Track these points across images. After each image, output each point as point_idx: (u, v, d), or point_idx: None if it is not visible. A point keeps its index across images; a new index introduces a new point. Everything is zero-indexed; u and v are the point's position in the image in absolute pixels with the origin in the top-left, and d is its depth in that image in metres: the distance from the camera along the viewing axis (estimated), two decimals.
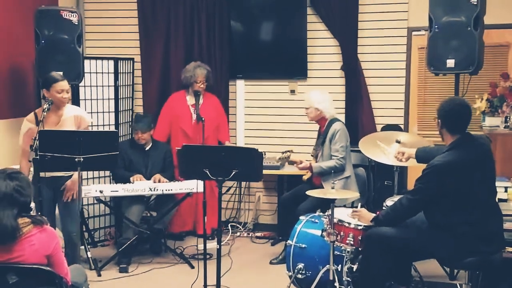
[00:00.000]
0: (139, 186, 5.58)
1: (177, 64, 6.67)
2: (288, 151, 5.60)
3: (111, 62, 6.35)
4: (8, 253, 3.02)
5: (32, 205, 3.44)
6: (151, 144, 6.08)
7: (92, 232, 6.26)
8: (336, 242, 4.27)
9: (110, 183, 6.16)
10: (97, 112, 6.26)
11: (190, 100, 6.36)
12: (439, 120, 3.94)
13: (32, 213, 3.29)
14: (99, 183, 6.26)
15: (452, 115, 3.89)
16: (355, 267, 4.27)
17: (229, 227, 6.75)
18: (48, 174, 4.75)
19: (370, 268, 4.04)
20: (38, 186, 4.40)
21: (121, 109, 6.51)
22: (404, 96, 6.40)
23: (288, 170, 6.08)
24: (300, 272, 4.64)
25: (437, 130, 4.04)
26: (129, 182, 5.73)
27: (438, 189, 3.80)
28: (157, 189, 5.58)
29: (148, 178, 5.84)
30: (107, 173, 6.18)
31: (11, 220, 2.99)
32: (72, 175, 4.91)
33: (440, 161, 3.83)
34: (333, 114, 5.58)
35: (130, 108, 6.77)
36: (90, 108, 6.19)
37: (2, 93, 5.55)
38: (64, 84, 4.77)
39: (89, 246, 5.74)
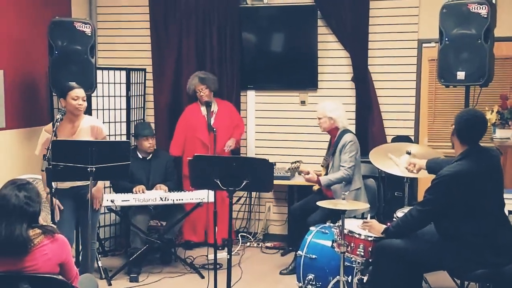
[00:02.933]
0: (150, 195, 5.61)
1: (189, 75, 6.69)
2: (298, 161, 5.61)
3: (123, 73, 6.41)
4: (21, 263, 3.05)
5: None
6: (152, 153, 6.12)
7: (103, 242, 6.29)
8: (346, 253, 4.27)
9: (110, 193, 6.02)
10: (109, 122, 6.30)
11: (204, 110, 6.41)
12: (455, 127, 3.96)
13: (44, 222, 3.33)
14: None
15: (468, 124, 3.90)
16: (365, 278, 4.28)
17: (239, 237, 6.76)
18: (67, 185, 4.78)
19: (380, 280, 4.05)
20: (51, 195, 4.45)
21: (133, 119, 6.56)
22: (414, 107, 6.40)
23: (298, 180, 6.09)
24: (310, 283, 4.65)
25: (449, 140, 4.07)
26: (131, 193, 5.73)
27: (447, 199, 3.81)
28: (168, 199, 5.60)
29: (150, 188, 5.86)
30: (107, 183, 6.01)
31: (23, 232, 3.03)
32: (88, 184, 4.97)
33: (449, 171, 3.84)
34: (345, 125, 5.59)
35: (142, 118, 6.81)
36: (102, 118, 6.23)
37: (15, 103, 5.61)
38: (80, 92, 4.82)
39: (99, 256, 5.76)
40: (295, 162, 5.61)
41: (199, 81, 6.31)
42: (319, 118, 5.58)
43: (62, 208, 4.57)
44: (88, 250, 4.98)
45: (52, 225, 3.44)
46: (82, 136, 4.82)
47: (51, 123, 4.83)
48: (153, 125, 6.83)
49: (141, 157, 6.04)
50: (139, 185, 5.81)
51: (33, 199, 3.12)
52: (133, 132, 6.32)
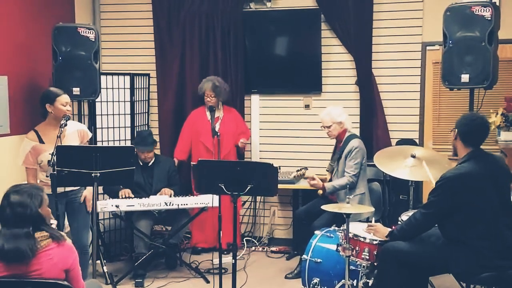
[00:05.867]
0: (155, 200, 5.60)
1: (193, 80, 6.73)
2: (303, 168, 5.60)
3: (127, 78, 6.42)
4: (26, 267, 3.04)
5: (54, 222, 3.45)
6: (153, 160, 6.11)
7: (108, 246, 6.29)
8: (351, 257, 4.26)
9: (103, 198, 6.02)
10: (113, 127, 6.31)
11: (209, 114, 6.41)
12: (457, 130, 3.95)
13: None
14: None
15: (471, 126, 3.92)
16: (370, 282, 4.27)
17: (244, 242, 6.76)
18: (59, 190, 4.77)
19: (385, 283, 4.03)
20: (55, 201, 4.45)
21: (137, 124, 6.56)
22: (419, 110, 6.39)
23: (303, 184, 6.06)
24: (316, 287, 4.64)
25: (451, 143, 4.07)
26: (117, 197, 5.74)
27: (451, 201, 3.80)
28: (172, 204, 5.59)
29: (154, 194, 5.85)
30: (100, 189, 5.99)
31: (25, 241, 3.01)
32: (80, 188, 4.99)
33: (452, 173, 3.85)
34: (351, 127, 5.58)
35: (146, 123, 6.82)
36: (106, 123, 6.25)
37: (20, 109, 5.61)
38: (67, 97, 4.85)
39: (104, 261, 5.75)
40: (300, 169, 5.61)
41: (211, 87, 6.30)
42: (328, 127, 5.51)
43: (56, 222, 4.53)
44: (87, 255, 5.01)
45: (61, 232, 3.41)
46: (71, 141, 4.84)
47: (33, 131, 4.84)
48: (157, 130, 6.86)
49: (141, 164, 6.03)
50: (125, 189, 5.80)
51: (24, 203, 3.07)
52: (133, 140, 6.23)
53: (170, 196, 5.76)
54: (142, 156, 5.95)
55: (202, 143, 6.36)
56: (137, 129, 6.53)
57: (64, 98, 4.81)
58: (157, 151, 6.61)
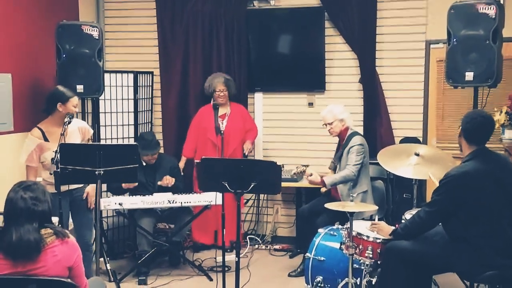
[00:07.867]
0: (158, 198, 5.59)
1: (196, 78, 6.73)
2: (303, 165, 5.59)
3: (131, 76, 6.41)
4: (32, 263, 3.04)
5: (56, 219, 3.47)
6: (156, 159, 6.09)
7: (111, 244, 6.29)
8: (355, 255, 4.26)
9: (107, 195, 6.01)
10: (117, 125, 6.31)
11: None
12: (461, 128, 3.94)
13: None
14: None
15: (474, 124, 3.90)
16: (374, 280, 4.26)
17: (248, 240, 6.76)
18: (63, 188, 4.77)
19: (389, 282, 4.03)
20: (59, 198, 4.46)
21: (141, 122, 6.56)
22: (422, 108, 6.38)
23: (306, 182, 6.05)
24: (319, 285, 4.64)
25: (456, 141, 4.06)
26: (121, 192, 5.79)
27: (455, 200, 3.79)
28: (175, 201, 5.58)
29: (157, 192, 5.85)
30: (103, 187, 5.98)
31: (34, 234, 3.02)
32: (84, 185, 5.02)
33: (456, 171, 3.83)
34: (353, 125, 5.57)
35: (150, 121, 6.82)
36: (110, 121, 6.25)
37: (23, 107, 5.61)
38: (77, 99, 4.96)
39: (108, 258, 5.75)
40: (300, 166, 5.60)
41: (223, 82, 6.33)
42: (329, 124, 5.48)
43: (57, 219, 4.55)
44: (91, 252, 5.02)
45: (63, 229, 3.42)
46: (73, 138, 4.87)
47: (37, 128, 4.85)
48: (160, 128, 6.86)
49: (144, 164, 6.01)
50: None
51: (39, 199, 3.11)
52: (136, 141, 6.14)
53: (172, 186, 5.75)
54: (147, 158, 5.94)
55: (209, 139, 6.36)
56: (141, 127, 6.53)
57: (76, 99, 4.91)
58: (161, 150, 6.61)
